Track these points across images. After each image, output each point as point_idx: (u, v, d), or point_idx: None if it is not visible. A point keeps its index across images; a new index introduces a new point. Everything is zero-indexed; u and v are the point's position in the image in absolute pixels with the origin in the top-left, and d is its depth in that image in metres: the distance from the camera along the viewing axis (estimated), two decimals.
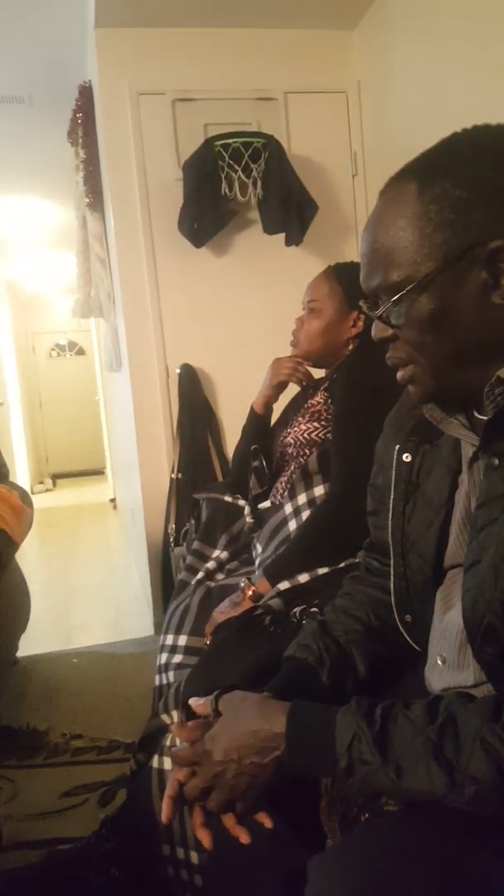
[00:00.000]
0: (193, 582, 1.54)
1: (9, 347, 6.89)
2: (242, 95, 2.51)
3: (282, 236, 2.43)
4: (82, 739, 1.95)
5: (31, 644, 2.57)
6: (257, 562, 1.49)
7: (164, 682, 1.39)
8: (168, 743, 1.21)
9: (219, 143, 2.36)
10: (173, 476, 2.49)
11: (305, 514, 1.43)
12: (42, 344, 8.38)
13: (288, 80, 2.54)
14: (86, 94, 2.75)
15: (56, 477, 7.91)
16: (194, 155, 2.37)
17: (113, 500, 5.70)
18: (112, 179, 2.50)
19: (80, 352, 8.40)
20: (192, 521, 1.72)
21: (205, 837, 0.76)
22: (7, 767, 1.79)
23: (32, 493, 6.68)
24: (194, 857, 1.12)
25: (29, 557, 4.05)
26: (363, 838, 0.74)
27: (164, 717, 1.24)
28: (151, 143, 2.47)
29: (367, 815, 0.83)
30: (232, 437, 2.45)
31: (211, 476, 2.50)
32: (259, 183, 2.37)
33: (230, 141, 2.36)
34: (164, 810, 0.78)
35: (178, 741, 0.89)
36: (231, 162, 2.35)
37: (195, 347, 2.55)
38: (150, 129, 2.47)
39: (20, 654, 2.51)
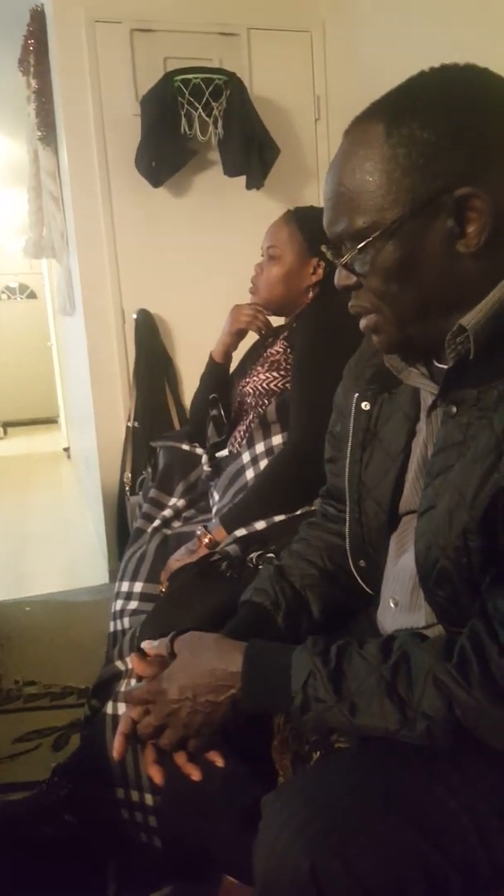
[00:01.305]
0: (150, 529, 1.54)
1: None
2: (204, 29, 2.40)
3: (242, 179, 2.36)
4: (35, 686, 1.95)
5: None
6: (214, 510, 1.49)
7: (119, 628, 1.40)
8: (122, 689, 1.22)
9: (179, 77, 2.25)
10: (129, 424, 2.45)
11: (263, 463, 1.43)
12: None
13: (252, 15, 2.43)
14: (38, 18, 2.58)
15: (7, 425, 7.72)
16: (153, 89, 2.27)
17: (66, 450, 5.61)
18: (66, 112, 2.37)
19: (32, 295, 8.11)
20: (149, 470, 1.71)
21: (156, 774, 0.77)
22: None
23: None
24: (149, 798, 1.14)
25: None
26: (317, 773, 0.76)
27: (119, 664, 1.25)
28: (108, 75, 2.34)
29: (318, 753, 0.86)
30: (190, 385, 2.42)
31: (168, 425, 2.47)
32: (220, 122, 2.28)
33: (191, 77, 2.26)
34: (117, 747, 0.79)
35: (132, 681, 0.90)
36: (191, 99, 2.25)
37: (152, 292, 2.49)
38: (107, 60, 2.34)
39: None
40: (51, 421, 6.93)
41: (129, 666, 1.14)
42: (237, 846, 0.84)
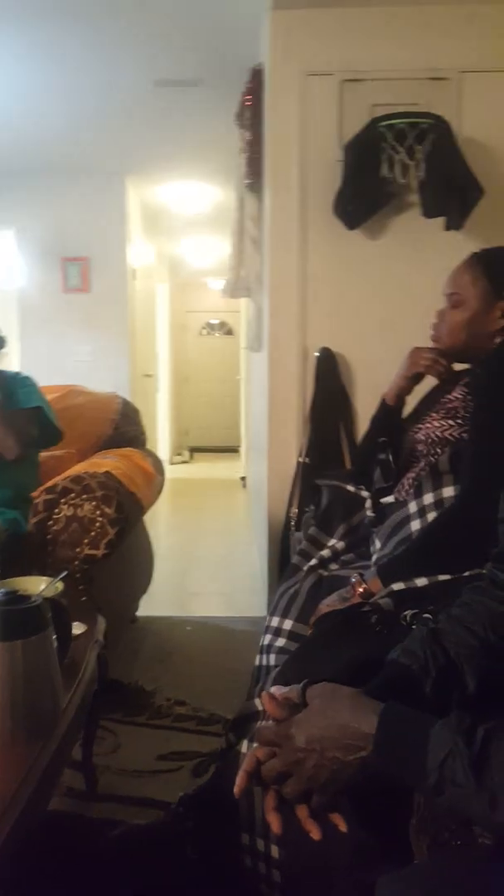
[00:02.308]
0: (305, 568, 1.51)
1: (164, 324, 7.21)
2: (413, 75, 2.41)
3: (440, 221, 2.31)
4: (185, 707, 2.00)
5: (150, 605, 2.68)
6: (374, 558, 1.43)
7: (265, 663, 1.38)
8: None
9: (383, 123, 2.28)
10: (300, 460, 2.47)
11: (431, 516, 1.34)
12: (194, 322, 8.69)
13: (464, 58, 2.39)
14: (257, 77, 2.76)
15: (194, 450, 8.21)
16: (357, 135, 2.32)
17: (243, 479, 5.81)
18: (273, 160, 2.50)
19: (229, 332, 8.62)
20: (312, 507, 1.69)
21: (274, 821, 0.74)
22: (112, 720, 1.88)
23: (171, 463, 6.99)
24: (275, 851, 1.10)
25: (158, 523, 4.24)
26: (443, 868, 0.68)
27: (258, 702, 1.22)
28: (316, 125, 2.44)
29: (458, 843, 0.77)
30: (365, 425, 2.39)
31: (339, 463, 2.45)
32: (423, 165, 2.26)
33: (395, 121, 2.27)
34: (238, 783, 0.77)
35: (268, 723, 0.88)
36: (394, 143, 2.26)
37: (337, 331, 2.51)
38: (316, 111, 2.44)
39: (139, 613, 2.63)
40: (233, 450, 7.24)
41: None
42: None
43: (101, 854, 1.29)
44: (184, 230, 6.03)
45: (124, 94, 3.36)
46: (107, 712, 1.90)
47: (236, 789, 0.77)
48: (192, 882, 1.20)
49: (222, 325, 8.71)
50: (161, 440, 6.80)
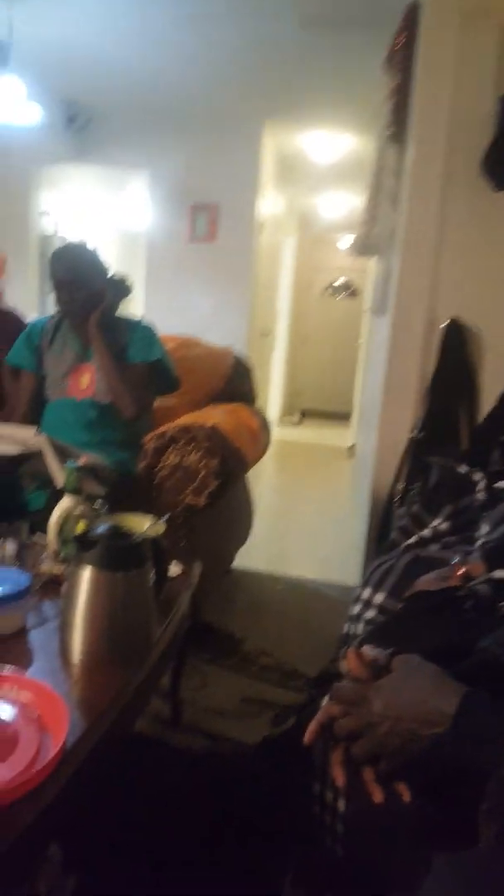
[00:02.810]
0: (404, 545, 1.48)
1: (288, 280, 7.14)
2: None
3: None
4: (271, 659, 2.05)
5: (246, 559, 2.74)
6: (479, 542, 1.37)
7: (352, 631, 1.38)
8: None
9: None
10: (413, 435, 2.39)
11: None
12: (318, 281, 8.54)
13: None
14: (411, 15, 2.59)
15: (304, 413, 8.18)
16: None
17: (351, 448, 5.74)
18: (420, 108, 2.35)
19: (353, 294, 8.42)
20: (419, 485, 1.64)
21: (339, 775, 0.76)
22: (201, 660, 1.96)
23: (280, 424, 7.02)
24: (341, 804, 1.11)
25: (262, 483, 4.29)
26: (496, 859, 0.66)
27: (342, 664, 1.23)
28: (470, 72, 2.27)
29: None
30: (489, 405, 2.27)
31: (453, 442, 2.35)
32: None
33: None
34: (309, 731, 0.79)
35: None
36: None
37: (470, 302, 2.37)
38: (473, 57, 2.26)
39: (235, 565, 2.70)
40: (344, 417, 7.14)
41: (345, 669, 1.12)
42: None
43: (176, 780, 1.37)
44: (317, 183, 5.88)
45: (268, 37, 3.28)
46: (197, 651, 1.99)
47: (307, 737, 0.80)
48: (260, 822, 1.25)
49: (347, 285, 8.52)
50: (273, 400, 6.83)
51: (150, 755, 1.46)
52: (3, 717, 0.88)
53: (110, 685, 1.03)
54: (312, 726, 0.79)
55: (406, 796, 0.73)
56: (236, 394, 2.57)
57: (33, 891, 1.07)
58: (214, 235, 4.84)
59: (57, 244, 5.64)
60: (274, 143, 4.87)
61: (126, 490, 1.86)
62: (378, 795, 0.73)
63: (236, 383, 2.60)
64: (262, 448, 2.45)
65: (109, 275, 2.08)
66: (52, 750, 0.83)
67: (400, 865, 0.89)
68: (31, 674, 1.02)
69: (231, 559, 2.63)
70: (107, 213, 6.34)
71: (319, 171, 5.49)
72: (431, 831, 0.85)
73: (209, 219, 4.84)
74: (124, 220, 6.14)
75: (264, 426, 2.53)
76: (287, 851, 1.22)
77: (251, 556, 2.80)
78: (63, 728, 0.86)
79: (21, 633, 1.14)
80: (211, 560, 2.18)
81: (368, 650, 0.85)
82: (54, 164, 5.29)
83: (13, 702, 0.92)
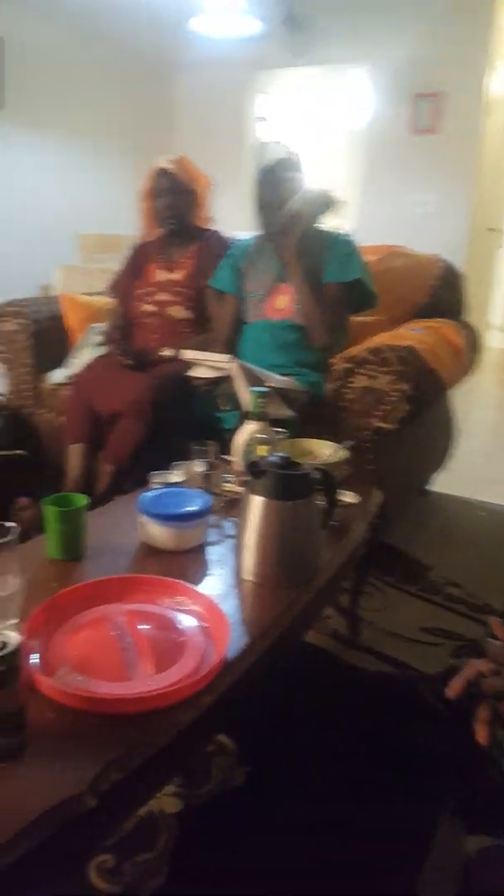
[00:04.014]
0: None
1: None
2: None
3: None
4: (459, 590, 2.00)
5: (445, 483, 2.65)
6: None
7: None
8: None
9: None
10: None
11: None
12: None
13: None
14: None
15: None
16: None
17: None
18: None
19: None
20: None
21: (482, 734, 0.76)
22: (384, 582, 1.98)
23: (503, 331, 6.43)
24: None
25: (473, 397, 4.03)
26: None
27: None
28: None
29: None
30: None
31: None
32: None
33: None
34: (454, 686, 0.80)
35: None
36: None
37: None
38: None
39: (433, 488, 2.62)
40: None
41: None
42: None
43: (347, 698, 1.44)
44: None
45: None
46: (381, 574, 2.01)
47: (450, 692, 0.79)
48: (426, 751, 1.27)
49: None
50: (497, 303, 6.24)
51: (324, 669, 1.54)
52: (175, 626, 0.99)
53: (274, 605, 1.09)
54: (457, 681, 0.78)
55: None
56: (443, 307, 2.39)
57: (206, 777, 1.22)
58: (437, 126, 4.52)
59: (271, 150, 5.58)
60: None
61: (315, 413, 1.89)
62: (483, 737, 0.75)
63: (443, 295, 2.42)
64: (467, 367, 2.28)
65: (310, 190, 2.03)
66: (214, 660, 0.92)
67: None
68: (204, 587, 1.12)
69: (426, 482, 2.56)
70: (325, 113, 6.11)
71: None
72: None
73: (432, 108, 4.51)
74: (344, 120, 5.88)
75: (471, 341, 2.34)
76: (449, 782, 1.23)
77: (452, 480, 2.69)
78: (225, 641, 0.95)
79: (200, 549, 1.25)
80: (400, 484, 2.15)
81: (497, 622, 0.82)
82: (271, 69, 5.19)
83: (186, 612, 1.03)
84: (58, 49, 4.55)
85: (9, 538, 0.96)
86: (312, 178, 2.05)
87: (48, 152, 4.63)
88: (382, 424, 1.80)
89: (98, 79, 4.90)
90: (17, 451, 2.33)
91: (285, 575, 1.15)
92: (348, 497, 1.42)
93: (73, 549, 1.19)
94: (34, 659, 0.89)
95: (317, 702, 1.41)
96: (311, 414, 1.84)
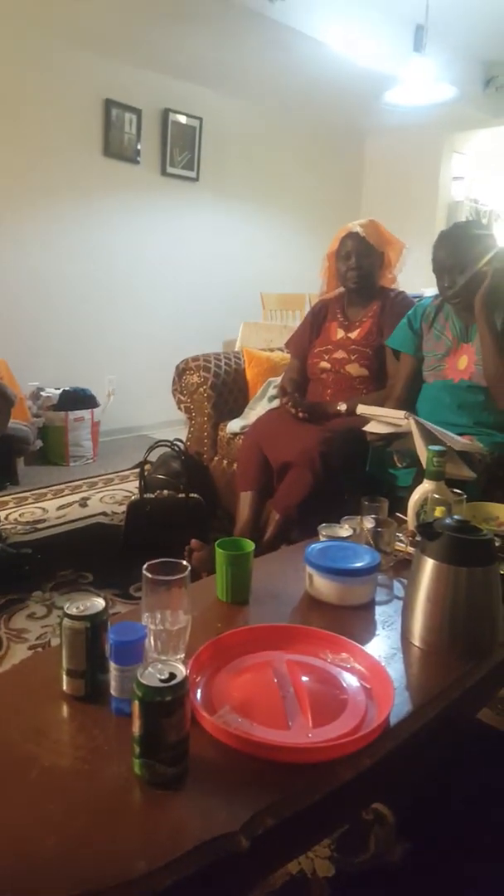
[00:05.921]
0: None
1: None
2: None
3: None
4: None
5: None
6: None
7: None
8: None
9: None
10: None
11: None
12: None
13: None
14: None
15: None
16: None
17: None
18: None
19: None
20: None
21: None
22: None
23: None
24: None
25: None
26: None
27: None
28: None
29: None
30: None
31: None
32: None
33: None
34: None
35: None
36: None
37: None
38: None
39: None
40: None
41: None
42: None
43: None
44: None
45: None
46: None
47: None
48: None
49: None
50: None
51: (500, 753, 1.42)
52: (337, 682, 0.97)
53: (443, 675, 1.03)
54: None
55: None
56: None
57: (363, 846, 1.16)
58: None
59: (459, 211, 5.54)
60: None
61: (501, 475, 1.79)
62: None
63: None
64: None
65: (495, 250, 1.98)
66: (376, 722, 0.88)
67: None
68: (370, 647, 1.08)
69: None
70: None
71: None
72: None
73: None
74: None
75: None
76: None
77: None
78: (388, 705, 0.91)
79: (366, 607, 1.22)
80: None
81: None
82: (468, 130, 5.18)
83: (348, 669, 1.00)
84: (249, 123, 4.88)
85: (183, 575, 1.00)
86: None
87: (234, 216, 4.94)
88: None
89: (287, 148, 5.18)
90: (194, 495, 2.46)
91: (456, 645, 1.08)
92: None
93: (239, 593, 1.22)
94: (197, 695, 0.91)
95: (488, 789, 1.30)
96: (497, 477, 1.75)
